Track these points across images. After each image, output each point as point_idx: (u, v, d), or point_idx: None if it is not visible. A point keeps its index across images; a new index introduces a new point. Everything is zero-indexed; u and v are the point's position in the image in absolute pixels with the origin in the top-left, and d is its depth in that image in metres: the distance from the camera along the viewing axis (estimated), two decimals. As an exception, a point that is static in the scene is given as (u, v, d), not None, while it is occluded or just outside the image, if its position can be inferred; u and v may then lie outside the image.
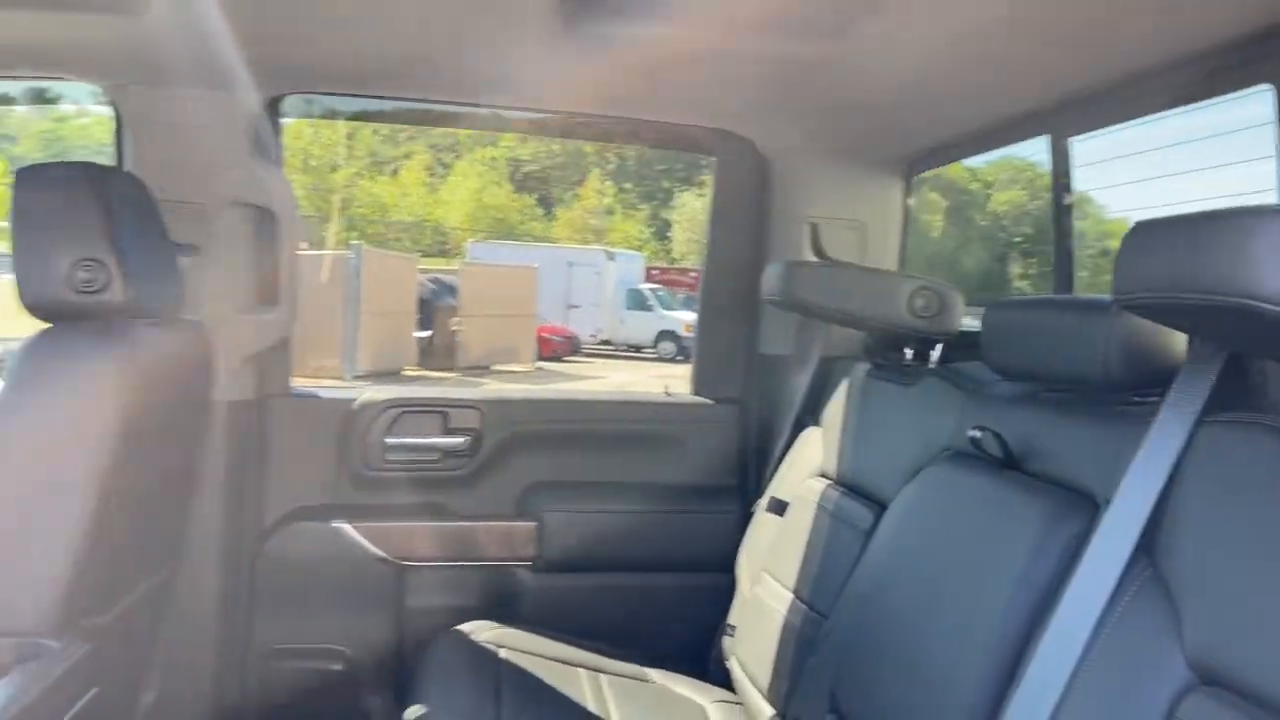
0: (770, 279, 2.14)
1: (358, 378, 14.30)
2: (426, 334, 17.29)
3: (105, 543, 1.56)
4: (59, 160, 1.66)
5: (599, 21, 1.74)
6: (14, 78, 2.07)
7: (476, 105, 2.24)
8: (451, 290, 17.77)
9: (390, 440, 2.33)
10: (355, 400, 2.34)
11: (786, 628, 1.88)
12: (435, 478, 2.35)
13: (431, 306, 17.52)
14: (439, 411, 2.37)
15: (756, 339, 2.50)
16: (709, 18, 1.75)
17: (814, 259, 2.33)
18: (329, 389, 2.43)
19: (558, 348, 19.66)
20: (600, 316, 22.20)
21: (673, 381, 2.70)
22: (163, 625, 2.00)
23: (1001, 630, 1.23)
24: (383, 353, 15.55)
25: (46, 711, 1.31)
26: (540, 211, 34.97)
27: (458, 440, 2.36)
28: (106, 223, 1.58)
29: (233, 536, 2.18)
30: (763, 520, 2.21)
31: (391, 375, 15.39)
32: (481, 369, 17.14)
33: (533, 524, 2.35)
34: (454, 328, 17.26)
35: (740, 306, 2.49)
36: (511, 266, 19.12)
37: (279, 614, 2.23)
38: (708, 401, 2.54)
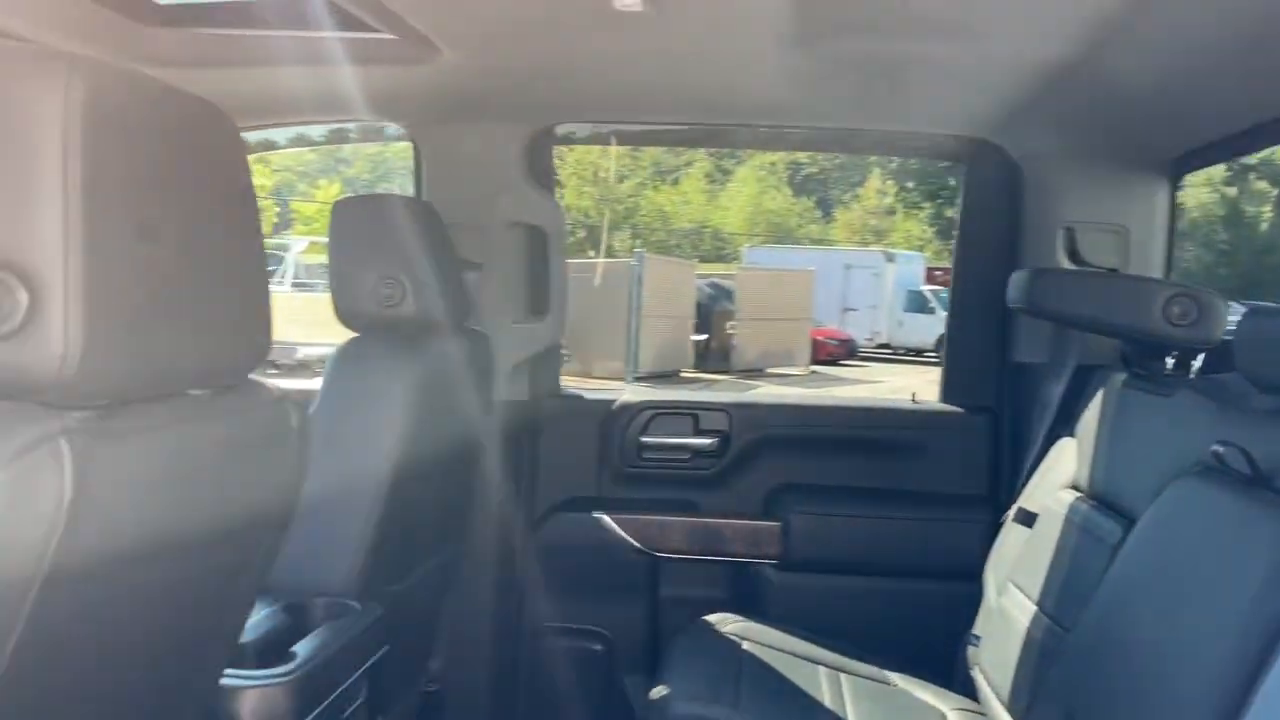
0: (1016, 286, 2.11)
1: (638, 379, 14.90)
2: (703, 337, 17.73)
3: (398, 521, 1.82)
4: (369, 193, 1.96)
5: (849, 38, 1.80)
6: (334, 120, 2.43)
7: (730, 124, 2.37)
8: (728, 294, 18.12)
9: (646, 439, 2.50)
10: (615, 402, 2.53)
11: (1029, 639, 1.85)
12: (686, 476, 2.50)
13: (709, 310, 17.95)
14: (690, 414, 2.52)
15: (1009, 346, 2.46)
16: (958, 27, 1.76)
17: (1069, 265, 2.26)
18: (593, 390, 2.64)
19: (833, 351, 19.50)
20: (878, 319, 21.78)
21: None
22: (449, 599, 2.26)
23: (1237, 652, 1.19)
24: (662, 355, 16.12)
25: (348, 661, 1.57)
26: (818, 214, 34.74)
27: (707, 441, 2.49)
28: (403, 246, 1.85)
29: (509, 523, 2.43)
30: (1011, 531, 2.17)
31: (669, 377, 15.91)
32: (756, 372, 17.36)
33: (778, 524, 2.43)
34: (729, 331, 17.59)
35: (991, 313, 2.45)
36: (787, 270, 19.19)
37: (548, 596, 2.46)
38: (957, 409, 2.52)
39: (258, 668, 1.41)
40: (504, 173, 2.33)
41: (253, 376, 1.07)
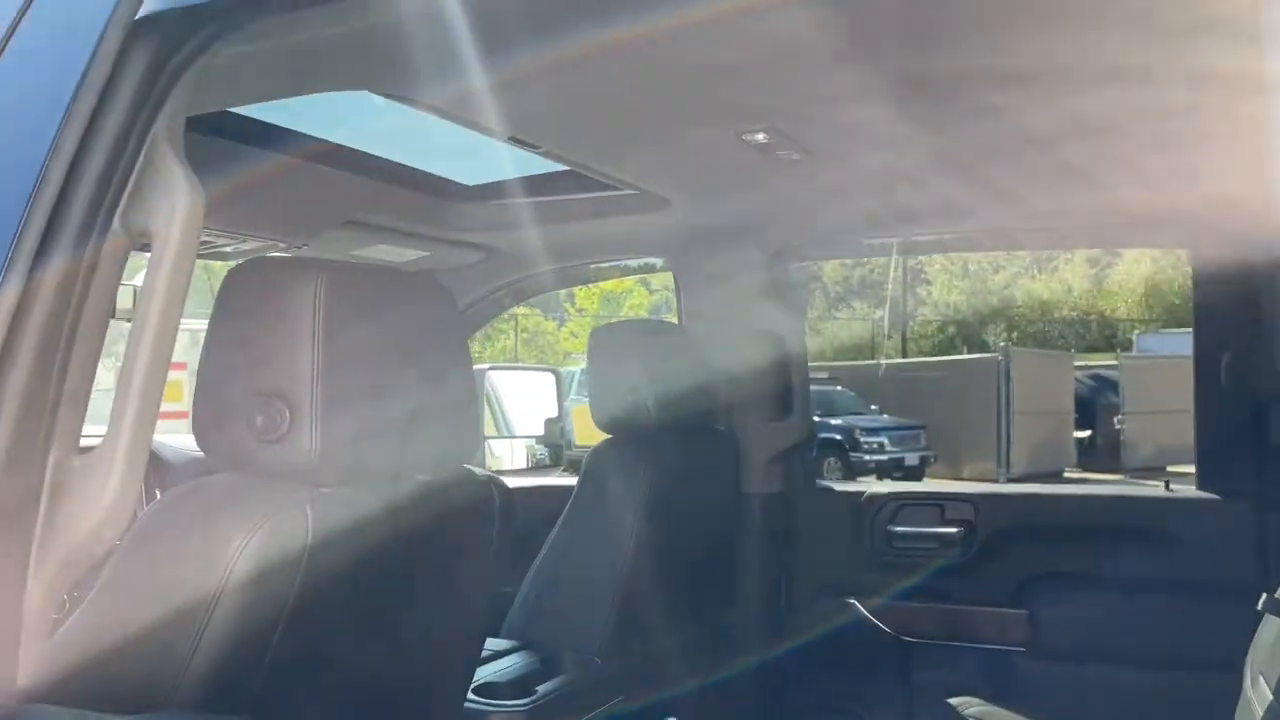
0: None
1: (1012, 480, 14.22)
2: (1087, 433, 16.57)
3: (643, 595, 2.16)
4: (622, 320, 2.39)
5: (1033, 151, 1.96)
6: (612, 259, 2.92)
7: (939, 236, 2.54)
8: (1113, 386, 16.85)
9: (894, 529, 2.66)
10: (864, 493, 2.72)
11: None
12: (934, 564, 2.61)
13: (1091, 404, 16.78)
14: (936, 505, 2.64)
15: (1266, 427, 2.34)
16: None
17: None
18: (842, 484, 2.84)
19: (1249, 445, 17.30)
20: (1306, 407, 19.02)
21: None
22: (714, 675, 2.53)
23: None
24: (1039, 454, 15.28)
25: (582, 703, 1.91)
26: (1228, 292, 31.13)
27: (953, 530, 2.60)
28: (645, 363, 2.24)
29: (768, 605, 2.68)
30: (1267, 621, 2.08)
31: (1050, 477, 15.00)
32: (1153, 470, 15.84)
33: (1025, 612, 2.47)
34: (1117, 426, 16.28)
35: (1247, 392, 2.36)
36: (1183, 356, 17.46)
37: (805, 676, 2.66)
38: (1213, 496, 2.42)
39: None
40: (747, 290, 2.66)
41: (466, 465, 1.48)
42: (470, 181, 2.46)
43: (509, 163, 2.37)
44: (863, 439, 15.50)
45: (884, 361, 16.87)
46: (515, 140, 1.88)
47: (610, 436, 2.29)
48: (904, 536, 2.65)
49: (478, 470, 1.51)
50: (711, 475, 2.45)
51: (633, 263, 2.98)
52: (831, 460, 15.07)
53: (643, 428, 2.24)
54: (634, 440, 2.23)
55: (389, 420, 1.29)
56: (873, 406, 16.54)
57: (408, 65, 1.44)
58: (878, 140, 1.82)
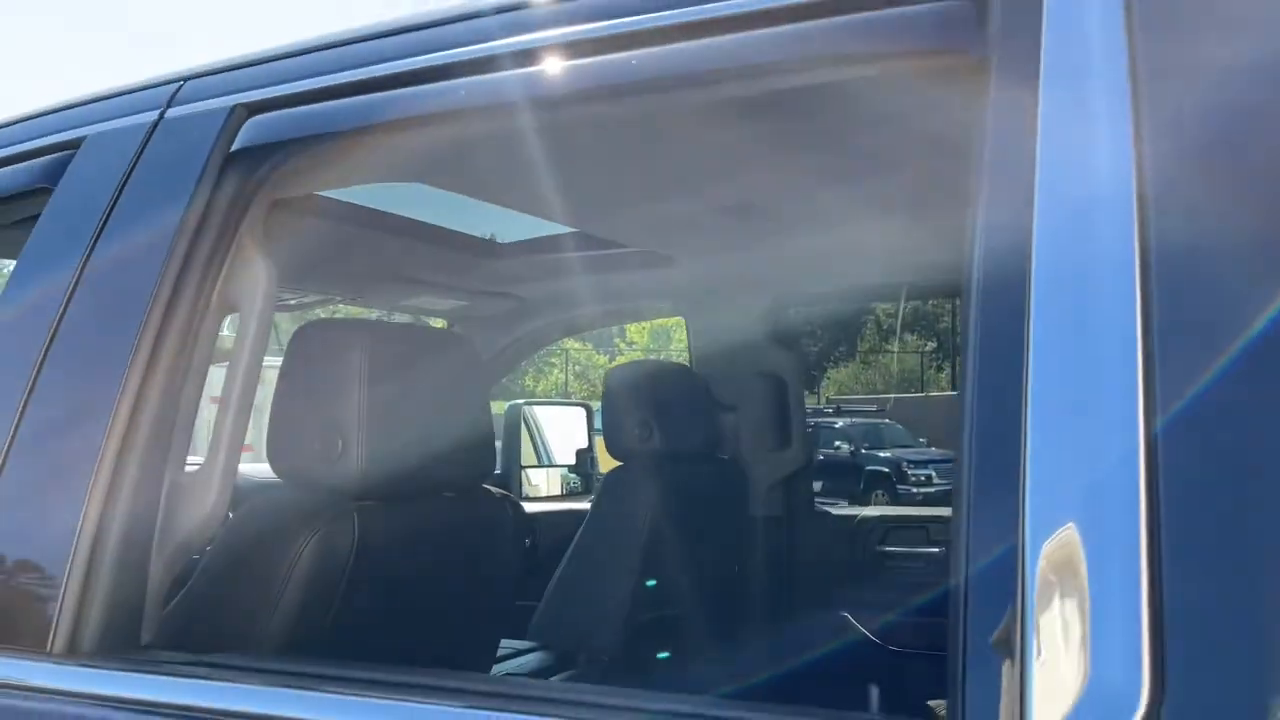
0: None
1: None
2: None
3: (652, 604, 2.46)
4: (634, 359, 2.72)
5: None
6: (631, 305, 3.25)
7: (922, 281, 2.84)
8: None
9: (883, 549, 2.93)
10: (857, 517, 3.00)
11: None
12: (920, 581, 2.87)
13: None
14: (921, 527, 2.91)
15: None
16: None
17: None
18: (839, 508, 3.12)
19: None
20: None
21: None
22: (723, 682, 2.81)
23: None
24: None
25: (590, 692, 2.22)
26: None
27: (935, 550, 2.86)
28: (653, 397, 2.56)
29: (768, 619, 2.96)
30: None
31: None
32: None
33: None
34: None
35: None
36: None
37: (801, 682, 2.92)
38: None
39: (525, 689, 2.12)
40: (750, 335, 2.97)
41: (485, 486, 1.81)
42: (502, 239, 2.82)
43: (534, 225, 2.73)
44: (910, 471, 15.60)
45: (893, 396, 16.96)
46: (532, 213, 2.24)
47: (622, 464, 2.61)
48: (893, 556, 2.92)
49: (494, 490, 1.84)
50: (714, 498, 2.75)
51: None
52: (879, 493, 15.20)
53: (651, 456, 2.55)
54: (642, 466, 2.55)
55: (419, 448, 1.62)
56: (920, 439, 16.63)
57: (446, 163, 1.80)
58: (838, 207, 2.13)
